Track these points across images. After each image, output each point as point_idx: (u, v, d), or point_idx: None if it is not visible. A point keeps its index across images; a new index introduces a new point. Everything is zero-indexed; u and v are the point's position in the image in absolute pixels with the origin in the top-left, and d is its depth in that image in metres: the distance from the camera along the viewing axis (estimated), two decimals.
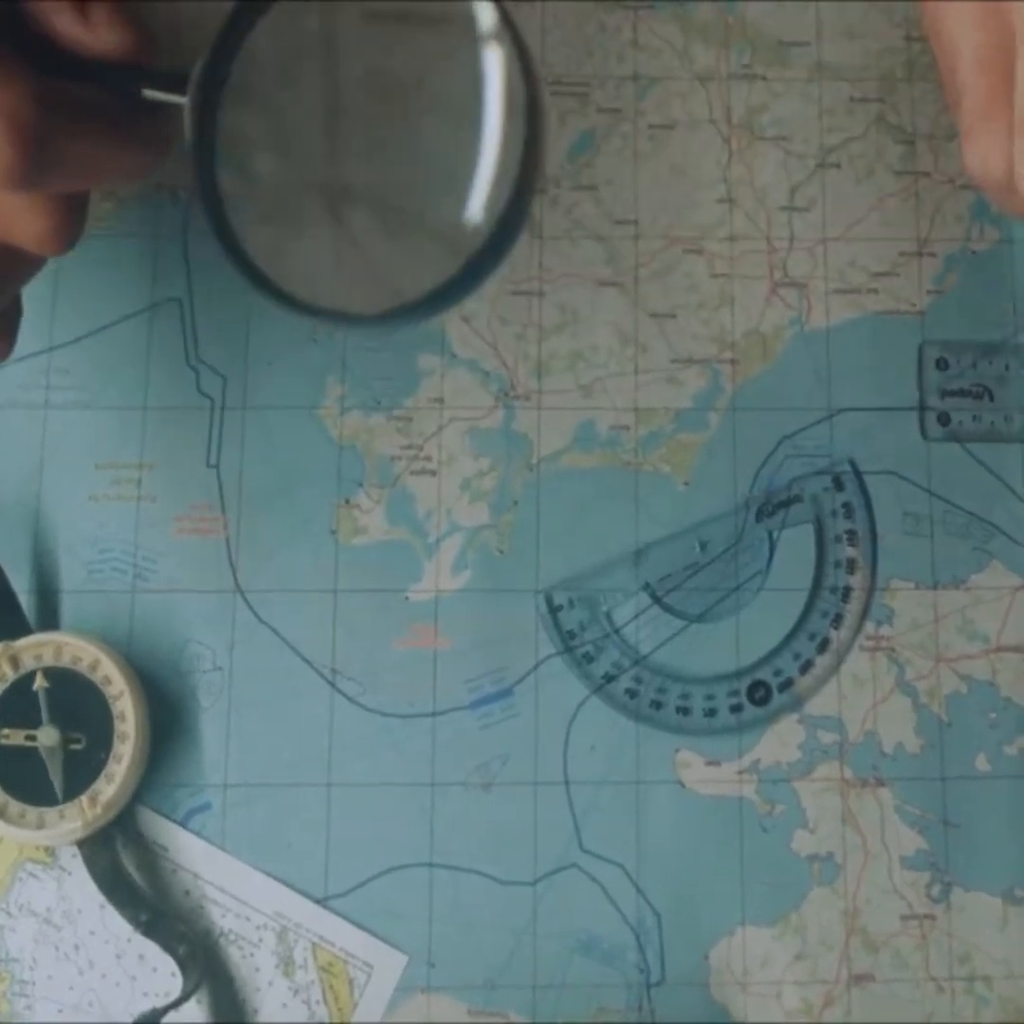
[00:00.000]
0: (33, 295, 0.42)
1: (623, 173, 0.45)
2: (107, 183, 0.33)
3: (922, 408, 0.43)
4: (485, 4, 0.29)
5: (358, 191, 0.32)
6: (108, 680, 0.40)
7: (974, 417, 0.41)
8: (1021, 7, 0.30)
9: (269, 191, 0.32)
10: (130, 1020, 0.38)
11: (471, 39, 0.29)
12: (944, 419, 0.40)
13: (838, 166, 0.45)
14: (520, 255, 0.44)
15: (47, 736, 0.39)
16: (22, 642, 0.40)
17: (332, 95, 0.32)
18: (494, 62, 0.29)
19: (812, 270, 0.44)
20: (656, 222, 0.44)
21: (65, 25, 0.31)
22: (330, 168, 0.32)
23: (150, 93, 0.31)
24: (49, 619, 0.41)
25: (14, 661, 0.40)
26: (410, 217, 0.32)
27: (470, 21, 0.29)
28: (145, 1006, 0.39)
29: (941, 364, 0.40)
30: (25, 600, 0.41)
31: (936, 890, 0.41)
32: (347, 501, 0.42)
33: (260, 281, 0.30)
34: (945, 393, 0.41)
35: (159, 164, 0.34)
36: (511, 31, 0.29)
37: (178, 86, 0.31)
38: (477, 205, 0.29)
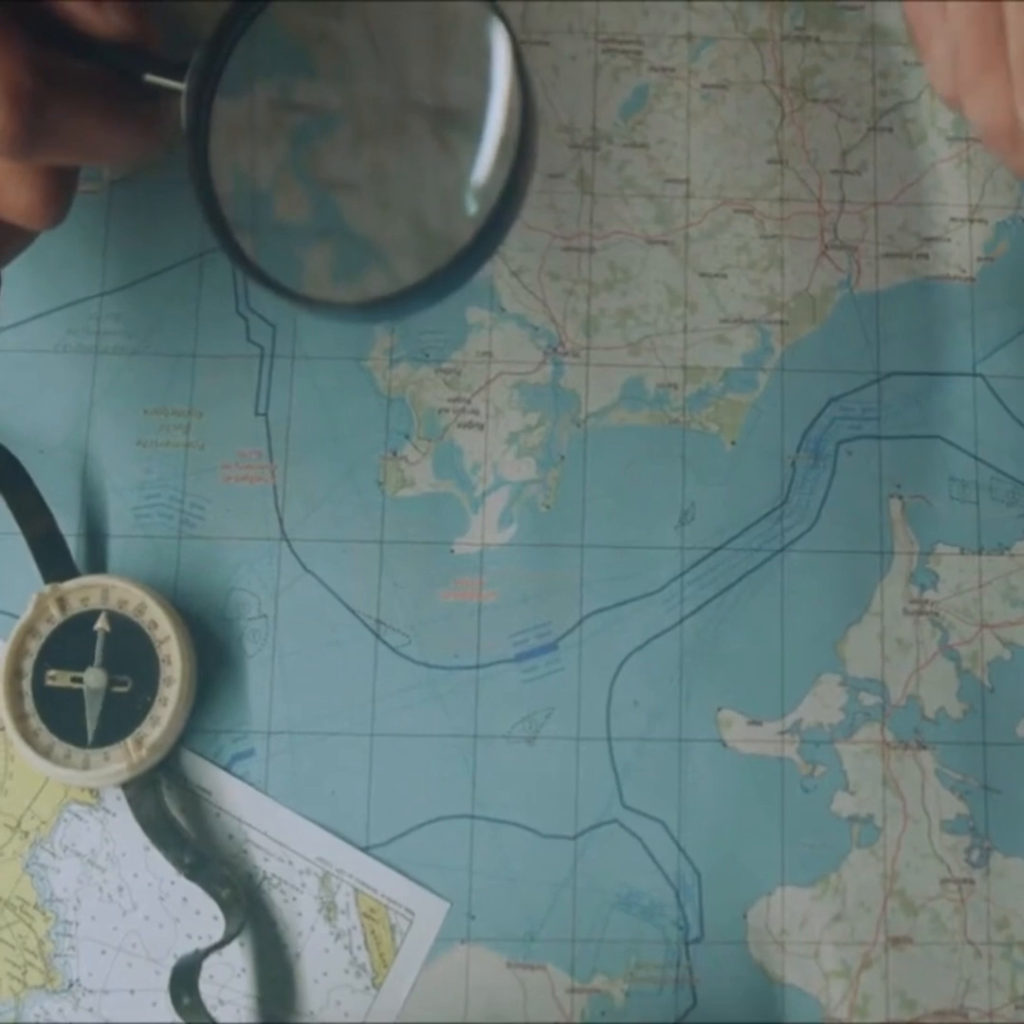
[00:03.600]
0: (85, 240, 0.43)
1: (675, 132, 0.45)
2: (98, 161, 0.33)
3: None
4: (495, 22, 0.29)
5: (350, 182, 0.32)
6: (154, 624, 0.40)
7: None
8: None
9: (262, 179, 0.33)
10: (172, 961, 0.38)
11: (471, 42, 0.30)
12: None
13: (890, 130, 0.45)
14: (571, 211, 0.44)
15: (94, 678, 0.39)
16: (69, 584, 0.40)
17: (328, 92, 0.32)
18: (497, 66, 0.30)
19: (863, 233, 0.44)
20: (708, 182, 0.44)
21: (74, 2, 0.31)
22: (324, 158, 0.33)
23: (151, 78, 0.32)
24: (96, 562, 0.41)
25: (61, 603, 0.40)
26: (399, 211, 0.32)
27: (474, 28, 0.30)
28: (187, 948, 0.39)
29: None
30: (72, 543, 0.41)
31: (975, 855, 0.41)
32: (394, 453, 0.42)
33: (249, 266, 0.30)
34: None
35: (150, 151, 0.34)
36: (511, 35, 0.29)
37: (177, 73, 0.31)
38: (467, 205, 0.30)
